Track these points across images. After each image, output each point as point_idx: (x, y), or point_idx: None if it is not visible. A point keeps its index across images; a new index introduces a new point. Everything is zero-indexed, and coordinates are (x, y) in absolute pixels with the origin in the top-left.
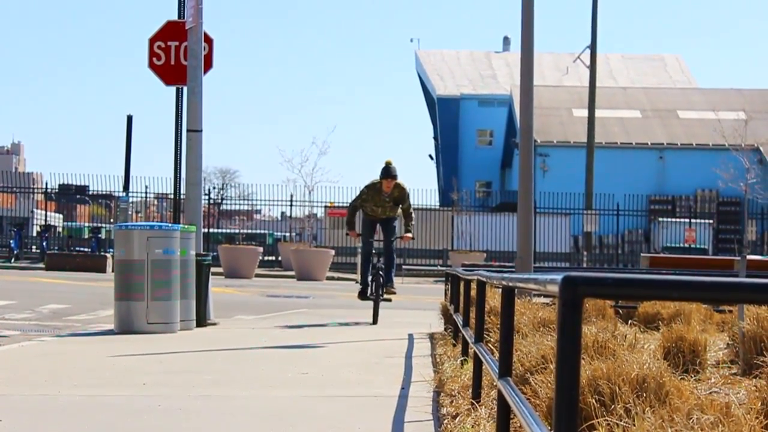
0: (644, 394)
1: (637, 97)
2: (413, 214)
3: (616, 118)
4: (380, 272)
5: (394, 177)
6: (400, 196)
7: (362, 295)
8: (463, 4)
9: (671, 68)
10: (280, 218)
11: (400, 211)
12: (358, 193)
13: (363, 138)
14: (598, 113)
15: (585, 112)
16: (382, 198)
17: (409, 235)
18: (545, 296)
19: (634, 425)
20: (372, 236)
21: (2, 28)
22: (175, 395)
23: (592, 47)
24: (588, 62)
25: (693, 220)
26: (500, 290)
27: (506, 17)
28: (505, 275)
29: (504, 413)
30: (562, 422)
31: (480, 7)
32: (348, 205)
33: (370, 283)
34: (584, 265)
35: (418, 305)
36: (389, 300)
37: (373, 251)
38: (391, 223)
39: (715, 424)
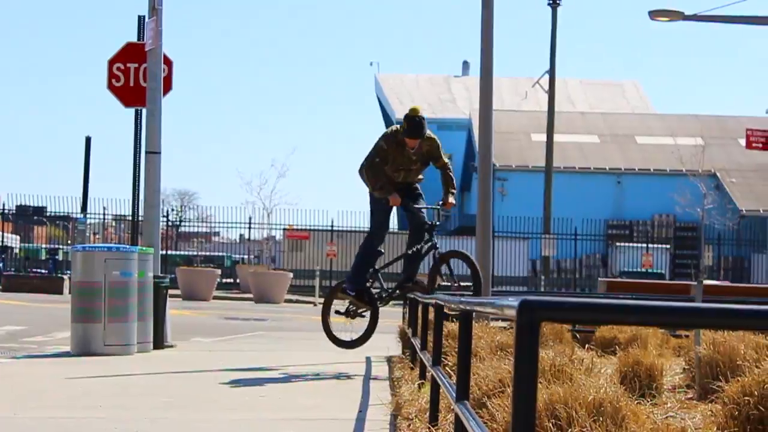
0: (601, 419)
1: (595, 123)
2: (451, 174)
3: (574, 142)
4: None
5: (421, 137)
6: (432, 150)
7: (359, 297)
8: (423, 28)
9: (629, 94)
10: (238, 240)
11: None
12: (373, 148)
13: (322, 160)
14: (556, 138)
15: (543, 137)
16: (407, 156)
17: (453, 201)
18: (503, 320)
19: None
20: (388, 220)
21: None
22: (131, 418)
23: (551, 72)
24: (547, 87)
25: (650, 245)
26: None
27: (466, 41)
28: (463, 299)
29: None
30: None
31: (439, 32)
32: (364, 165)
33: (372, 287)
34: (542, 289)
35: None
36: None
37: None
38: (415, 191)
39: None
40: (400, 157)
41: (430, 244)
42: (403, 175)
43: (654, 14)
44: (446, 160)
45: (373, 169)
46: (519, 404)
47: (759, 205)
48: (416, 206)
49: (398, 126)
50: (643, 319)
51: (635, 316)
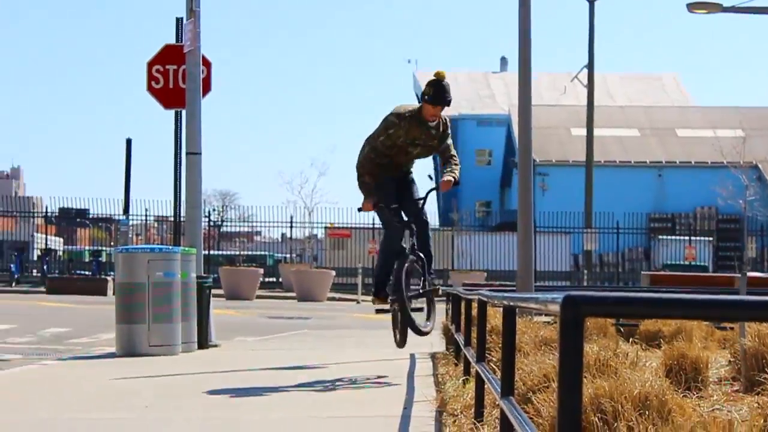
0: (647, 412)
1: (635, 116)
2: (455, 160)
3: (614, 136)
4: (417, 261)
5: (447, 103)
6: (445, 131)
7: (379, 296)
8: (460, 24)
9: (668, 87)
10: (280, 240)
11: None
12: (377, 129)
13: None
14: (596, 132)
15: (583, 131)
16: (425, 133)
17: (450, 178)
18: (546, 315)
19: None
20: (393, 215)
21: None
22: (177, 418)
23: (590, 67)
24: (585, 82)
25: (693, 238)
26: (501, 310)
27: (504, 38)
28: (506, 295)
29: None
30: None
31: (477, 28)
32: (361, 155)
33: (398, 282)
34: (585, 284)
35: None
36: (428, 303)
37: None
38: (411, 180)
39: None
40: (419, 135)
41: (409, 257)
42: (410, 156)
43: (692, 6)
44: (450, 141)
45: (365, 160)
46: (565, 399)
47: None
48: (406, 201)
49: (409, 106)
50: (686, 313)
51: (679, 309)
